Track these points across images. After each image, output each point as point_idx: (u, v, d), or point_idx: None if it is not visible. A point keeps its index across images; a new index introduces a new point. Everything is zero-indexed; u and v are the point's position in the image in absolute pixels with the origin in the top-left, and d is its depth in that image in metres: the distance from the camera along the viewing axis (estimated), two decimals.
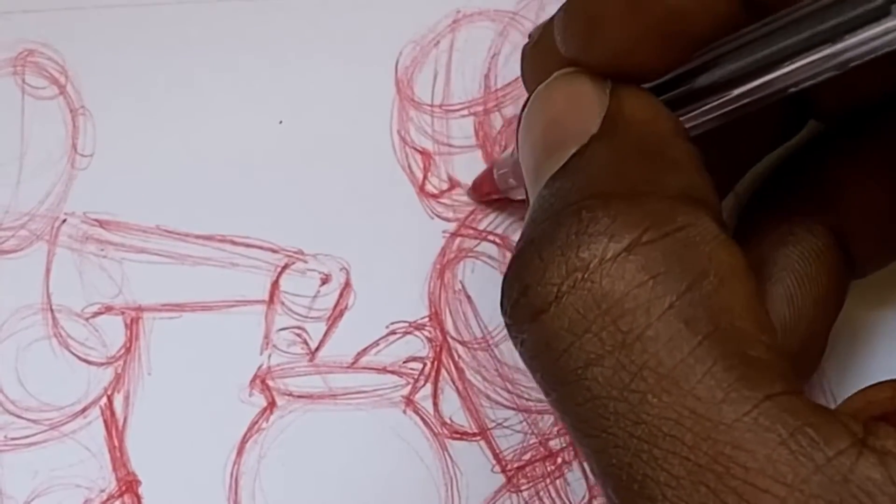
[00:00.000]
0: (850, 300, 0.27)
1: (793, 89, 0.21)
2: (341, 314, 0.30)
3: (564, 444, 0.29)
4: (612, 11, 0.21)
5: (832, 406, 0.24)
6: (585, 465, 0.29)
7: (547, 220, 0.19)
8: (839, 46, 0.19)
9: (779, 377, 0.18)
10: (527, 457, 0.29)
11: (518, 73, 0.26)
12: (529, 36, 0.25)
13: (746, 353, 0.18)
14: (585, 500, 0.29)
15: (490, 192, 0.30)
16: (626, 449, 0.18)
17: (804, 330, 0.26)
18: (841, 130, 0.27)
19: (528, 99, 0.23)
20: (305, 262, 0.30)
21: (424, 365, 0.30)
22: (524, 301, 0.19)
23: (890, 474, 0.16)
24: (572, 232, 0.19)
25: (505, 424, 0.29)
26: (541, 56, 0.23)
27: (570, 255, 0.19)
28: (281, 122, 0.31)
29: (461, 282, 0.30)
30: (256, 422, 0.29)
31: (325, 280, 0.30)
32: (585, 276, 0.18)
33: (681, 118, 0.22)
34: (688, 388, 0.17)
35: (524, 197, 0.28)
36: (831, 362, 0.29)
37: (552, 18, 0.23)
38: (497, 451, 0.29)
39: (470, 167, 0.31)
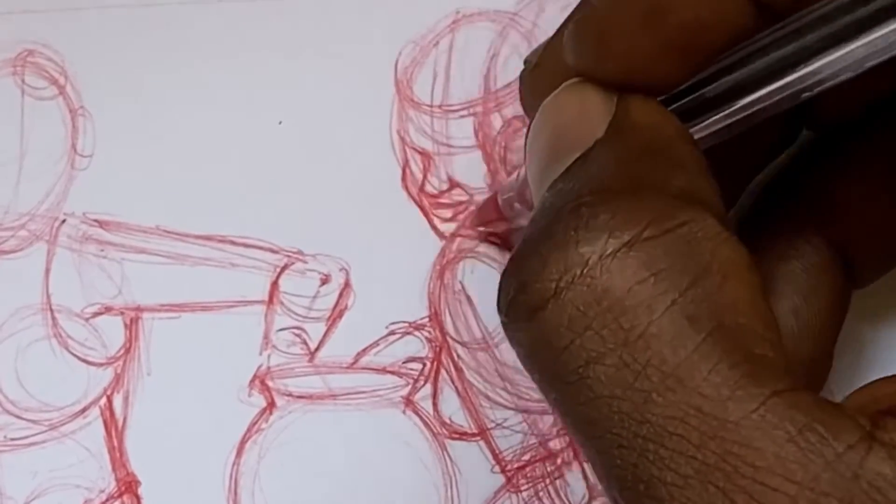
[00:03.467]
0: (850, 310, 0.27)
1: (807, 94, 0.20)
2: (341, 314, 0.30)
3: (564, 445, 0.29)
4: (625, 25, 0.20)
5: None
6: (586, 465, 0.29)
7: (546, 218, 0.19)
8: (854, 46, 0.19)
9: (784, 373, 0.18)
10: (526, 457, 0.29)
11: (518, 73, 0.26)
12: (525, 61, 0.25)
13: (751, 350, 0.18)
14: (585, 500, 0.29)
15: (494, 219, 0.29)
16: (632, 449, 0.17)
17: (812, 343, 0.25)
18: (835, 140, 0.27)
19: (531, 121, 0.22)
20: (305, 262, 0.30)
21: (424, 365, 0.30)
22: (521, 298, 0.19)
23: None
24: (571, 228, 0.18)
25: (504, 425, 0.29)
26: (542, 79, 0.23)
27: (570, 250, 0.18)
28: (281, 123, 0.31)
29: (461, 282, 0.30)
30: (256, 422, 0.29)
31: (325, 280, 0.30)
32: (585, 271, 0.18)
33: (691, 129, 0.21)
34: (693, 386, 0.17)
35: (527, 219, 0.28)
36: (833, 374, 0.29)
37: (550, 41, 0.23)
38: (497, 452, 0.29)
39: (470, 167, 0.31)
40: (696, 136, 0.21)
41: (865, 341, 0.30)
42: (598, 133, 0.20)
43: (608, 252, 0.18)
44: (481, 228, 0.30)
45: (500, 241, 0.30)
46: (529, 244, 0.19)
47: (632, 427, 0.17)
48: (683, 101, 0.22)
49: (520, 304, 0.19)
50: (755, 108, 0.21)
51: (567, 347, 0.18)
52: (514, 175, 0.28)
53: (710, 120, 0.21)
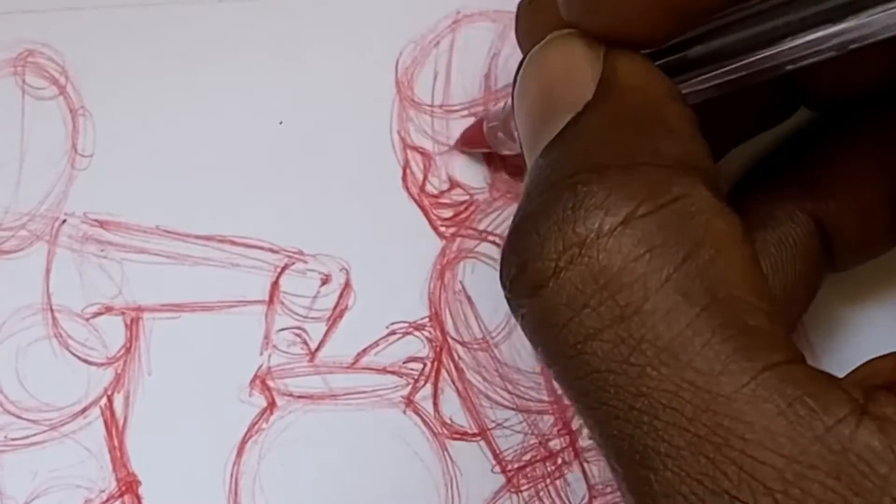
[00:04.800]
0: (835, 295, 0.27)
1: (790, 66, 0.21)
2: (341, 314, 0.30)
3: (564, 445, 0.29)
4: None
5: None
6: (587, 466, 0.29)
7: (543, 194, 0.19)
8: (840, 27, 0.19)
9: (779, 346, 0.18)
10: (527, 457, 0.29)
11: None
12: None
13: (745, 323, 0.18)
14: (585, 500, 0.29)
15: (478, 144, 0.30)
16: (627, 421, 0.18)
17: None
18: (833, 121, 0.27)
19: (522, 60, 0.22)
20: (305, 262, 0.30)
21: (424, 365, 0.30)
22: (523, 277, 0.19)
23: (889, 442, 0.17)
24: (568, 206, 0.19)
25: (505, 425, 0.29)
26: (536, 15, 0.23)
27: (567, 230, 0.19)
28: (281, 123, 0.31)
29: (461, 282, 0.30)
30: (256, 422, 0.29)
31: (325, 280, 0.30)
32: (582, 251, 0.18)
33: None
34: (686, 361, 0.17)
35: (512, 152, 0.28)
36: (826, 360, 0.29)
37: None
38: (497, 452, 0.29)
39: (470, 168, 0.31)
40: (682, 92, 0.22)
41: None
42: (587, 94, 0.20)
43: (605, 230, 0.18)
44: (465, 149, 0.30)
45: (500, 241, 0.30)
46: (528, 221, 0.19)
47: (627, 400, 0.18)
48: (668, 59, 0.22)
49: (522, 283, 0.19)
50: (739, 74, 0.21)
51: (566, 324, 0.18)
52: (500, 105, 0.28)
53: (696, 79, 0.22)
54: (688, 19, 0.21)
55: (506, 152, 0.29)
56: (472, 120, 0.31)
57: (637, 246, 0.18)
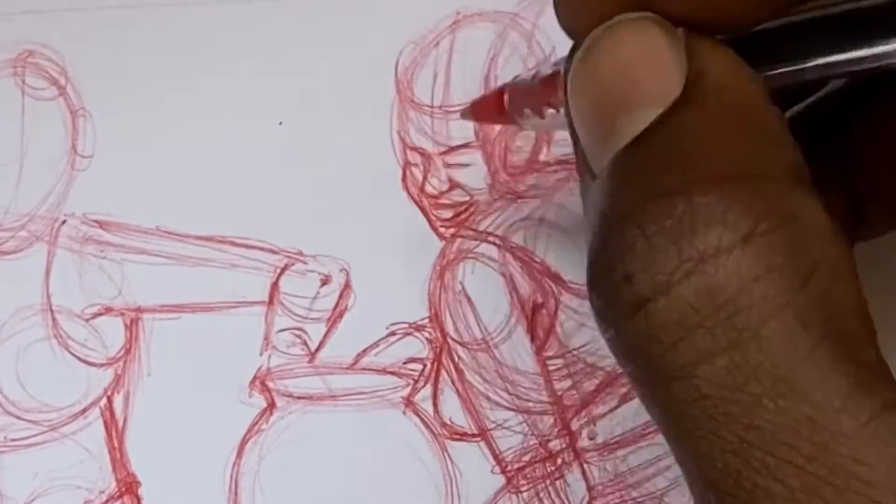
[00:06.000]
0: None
1: (872, 71, 0.19)
2: (341, 315, 0.30)
3: (564, 446, 0.29)
4: None
5: None
6: (586, 466, 0.29)
7: (650, 200, 0.18)
8: None
9: (891, 383, 0.17)
10: (527, 458, 0.29)
11: (518, 72, 0.26)
12: None
13: (860, 357, 0.17)
14: (585, 501, 0.29)
15: (490, 118, 0.28)
16: (736, 455, 0.17)
17: None
18: (868, 89, 0.25)
19: (575, 46, 0.20)
20: (305, 263, 0.30)
21: (424, 366, 0.30)
22: (628, 288, 0.17)
23: None
24: (685, 217, 0.17)
25: (505, 425, 0.29)
26: None
27: (683, 242, 0.17)
28: (281, 123, 0.31)
29: (461, 283, 0.30)
30: (256, 423, 0.29)
31: (325, 281, 0.30)
32: (699, 267, 0.17)
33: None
34: (805, 394, 0.16)
35: (534, 130, 0.25)
36: None
37: None
38: (497, 452, 0.29)
39: (470, 168, 0.31)
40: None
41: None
42: (672, 90, 0.18)
43: (724, 247, 0.17)
44: (472, 119, 0.29)
45: (500, 242, 0.30)
46: (632, 225, 0.18)
47: (738, 431, 0.17)
48: (750, 48, 0.19)
49: (626, 295, 0.18)
50: (823, 73, 0.19)
51: (676, 344, 0.17)
52: (529, 76, 0.25)
53: (776, 72, 0.20)
54: (776, 4, 0.19)
55: (527, 128, 0.27)
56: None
57: (757, 266, 0.17)
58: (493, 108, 0.27)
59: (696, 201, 0.17)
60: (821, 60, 0.19)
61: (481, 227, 0.30)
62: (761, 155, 0.18)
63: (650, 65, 0.19)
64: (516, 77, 0.26)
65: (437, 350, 0.30)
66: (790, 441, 0.16)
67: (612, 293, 0.18)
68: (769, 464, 0.16)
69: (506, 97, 0.26)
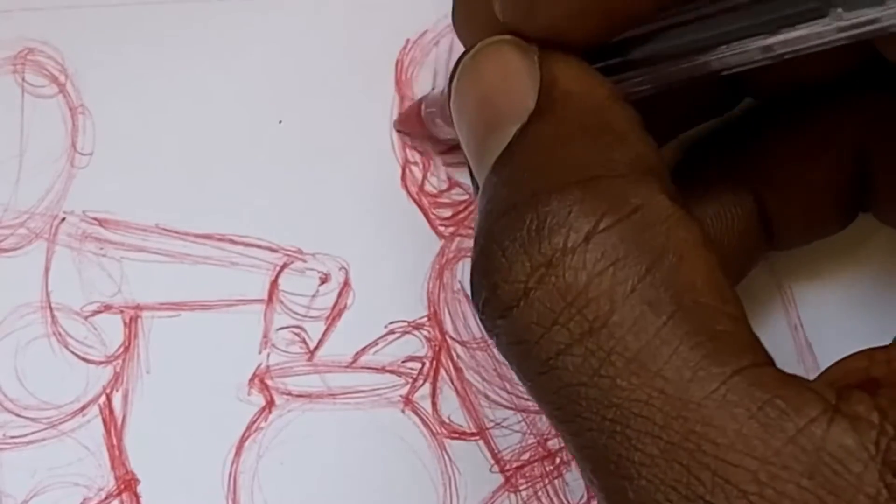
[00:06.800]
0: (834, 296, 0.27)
1: (725, 72, 0.21)
2: (340, 313, 0.30)
3: (563, 444, 0.29)
4: None
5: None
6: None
7: (505, 215, 0.20)
8: (773, 40, 0.20)
9: (746, 350, 0.18)
10: (525, 457, 0.29)
11: None
12: None
13: (713, 328, 0.18)
14: (584, 500, 0.29)
15: (414, 128, 0.30)
16: (601, 431, 0.18)
17: None
18: (779, 105, 0.27)
19: (455, 66, 0.22)
20: (304, 261, 0.30)
21: (423, 364, 0.30)
22: (494, 299, 0.20)
23: (862, 439, 0.17)
24: (532, 227, 0.19)
25: (503, 424, 0.29)
26: (471, 10, 0.23)
27: (533, 251, 0.19)
28: (281, 122, 0.31)
29: (460, 282, 0.30)
30: (255, 421, 0.29)
31: (325, 279, 0.30)
32: (549, 270, 0.19)
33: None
34: (655, 370, 0.18)
35: (449, 137, 0.28)
36: None
37: None
38: (495, 451, 0.29)
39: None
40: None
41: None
42: (529, 103, 0.20)
43: (569, 248, 0.19)
44: (401, 130, 0.31)
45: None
46: (493, 243, 0.20)
47: (599, 411, 0.18)
48: (605, 62, 0.22)
49: (493, 305, 0.20)
50: (676, 77, 0.22)
51: (538, 342, 0.19)
52: (438, 91, 0.28)
53: (630, 81, 0.22)
54: (624, 22, 0.21)
55: (444, 137, 0.29)
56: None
57: (601, 260, 0.18)
58: (415, 119, 0.29)
59: (541, 210, 0.19)
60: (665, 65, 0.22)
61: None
62: (606, 154, 0.20)
63: (507, 84, 0.21)
64: (433, 89, 0.29)
65: (436, 349, 0.30)
66: (645, 414, 0.18)
67: (485, 304, 0.20)
68: (629, 436, 0.18)
69: (422, 108, 0.28)
